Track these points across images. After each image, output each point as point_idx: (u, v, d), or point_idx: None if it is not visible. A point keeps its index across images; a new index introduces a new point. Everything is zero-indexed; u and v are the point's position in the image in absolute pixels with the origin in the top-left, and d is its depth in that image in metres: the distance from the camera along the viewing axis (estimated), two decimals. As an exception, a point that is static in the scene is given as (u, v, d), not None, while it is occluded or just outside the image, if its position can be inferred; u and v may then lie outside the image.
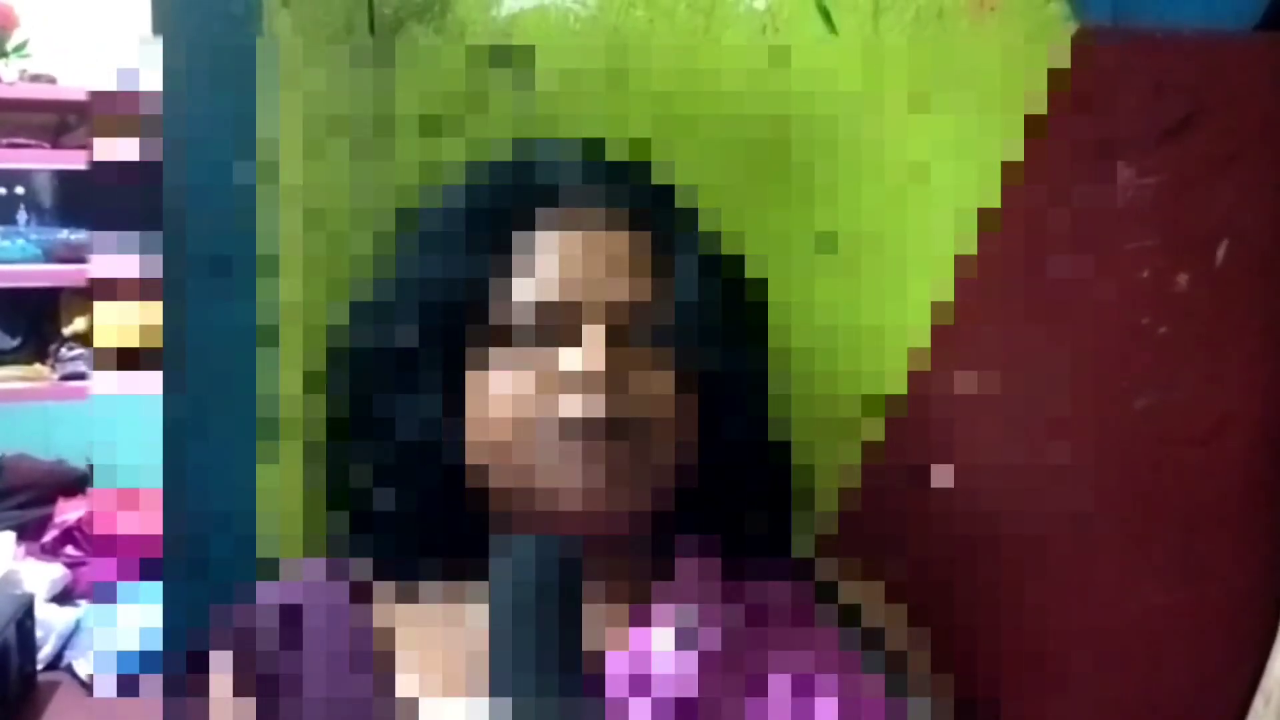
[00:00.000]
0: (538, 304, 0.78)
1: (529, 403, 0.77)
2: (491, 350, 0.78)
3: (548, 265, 0.78)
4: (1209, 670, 1.18)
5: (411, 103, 0.99)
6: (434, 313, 0.80)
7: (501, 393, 0.77)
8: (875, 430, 1.10)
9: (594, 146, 0.84)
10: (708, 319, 0.80)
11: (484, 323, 0.79)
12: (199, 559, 1.00)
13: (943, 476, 1.11)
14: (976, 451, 1.14)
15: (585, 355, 0.76)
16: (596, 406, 0.75)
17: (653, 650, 0.79)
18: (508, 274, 0.79)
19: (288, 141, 0.99)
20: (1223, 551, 1.19)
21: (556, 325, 0.77)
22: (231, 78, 1.00)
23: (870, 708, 0.80)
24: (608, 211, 0.80)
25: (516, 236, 0.79)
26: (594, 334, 0.77)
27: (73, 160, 3.23)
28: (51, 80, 3.24)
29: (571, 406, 0.76)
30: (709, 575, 0.82)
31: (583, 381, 0.76)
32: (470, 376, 0.78)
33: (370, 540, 0.82)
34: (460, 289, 0.79)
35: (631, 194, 0.82)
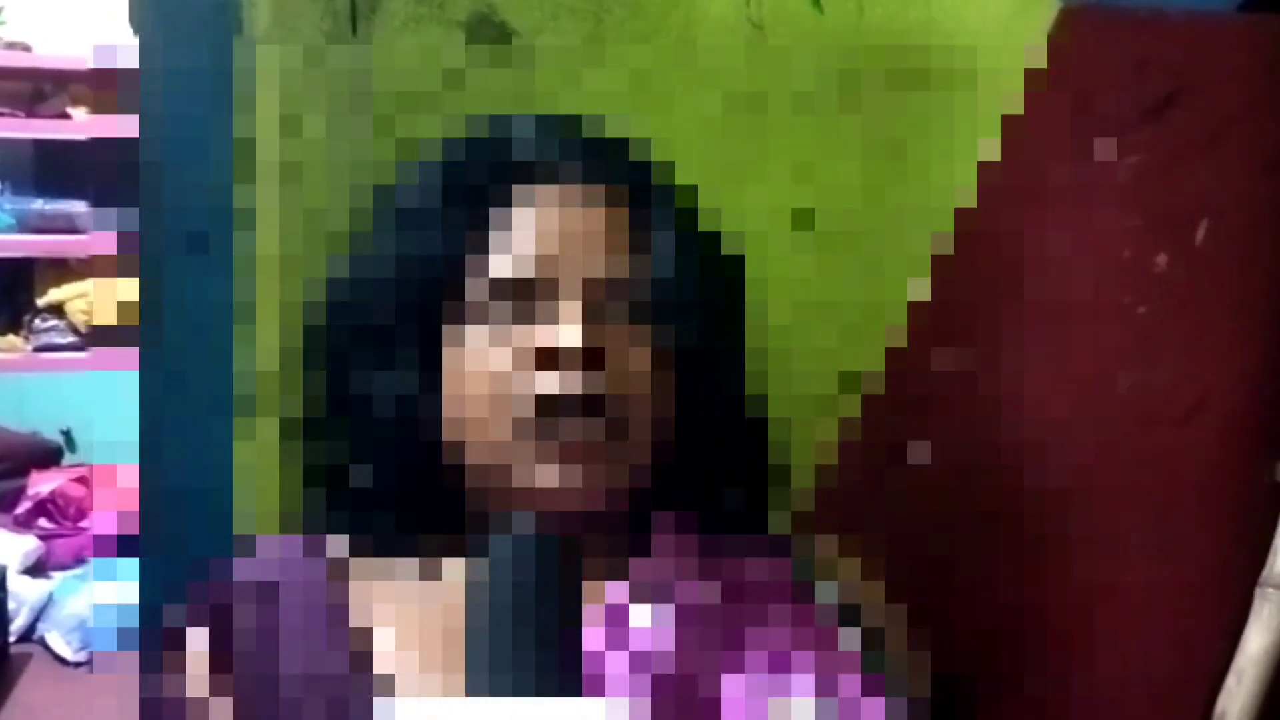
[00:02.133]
0: (514, 280, 0.77)
1: (505, 379, 0.76)
2: (468, 327, 0.78)
3: (524, 242, 0.78)
4: (1183, 647, 1.19)
5: (389, 79, 0.99)
6: (411, 289, 0.79)
7: (478, 369, 0.77)
8: (852, 407, 1.10)
9: (571, 123, 0.84)
10: (684, 295, 0.80)
11: (461, 299, 0.78)
12: (175, 535, 0.99)
13: (919, 453, 1.11)
14: (956, 430, 1.14)
15: (562, 332, 0.76)
16: (573, 383, 0.75)
17: (630, 626, 0.79)
18: (484, 250, 0.78)
19: (265, 116, 0.98)
20: (1199, 530, 1.20)
21: (533, 302, 0.77)
22: (208, 49, 0.99)
23: (847, 683, 0.80)
24: (584, 188, 0.79)
25: (493, 213, 0.79)
26: (571, 310, 0.77)
27: (48, 129, 3.20)
28: (27, 48, 3.20)
29: (548, 383, 0.75)
30: (686, 551, 0.82)
31: (559, 358, 0.75)
32: (447, 353, 0.78)
33: (347, 517, 0.81)
34: (437, 265, 0.79)
35: (608, 170, 0.81)
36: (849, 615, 0.84)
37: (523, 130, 0.82)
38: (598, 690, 0.76)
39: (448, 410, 0.78)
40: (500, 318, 0.77)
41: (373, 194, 0.85)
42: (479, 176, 0.80)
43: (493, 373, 0.77)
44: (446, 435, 0.78)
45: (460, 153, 0.82)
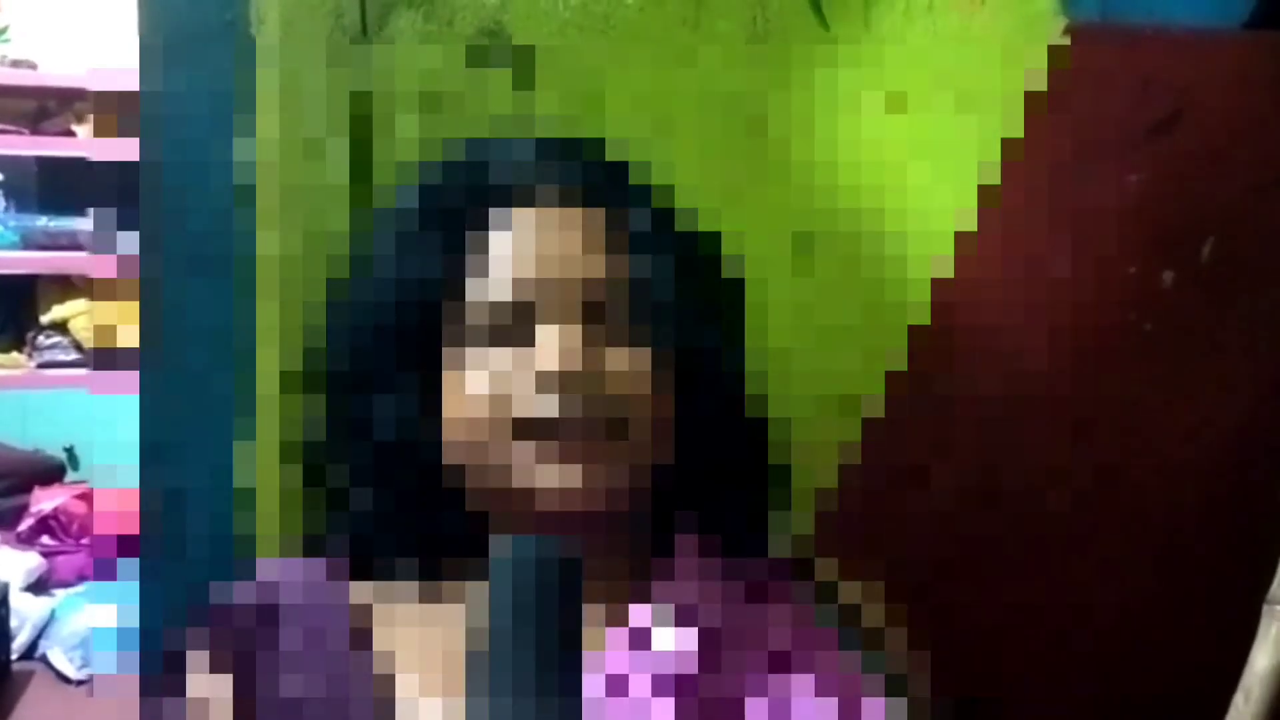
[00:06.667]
0: (510, 303, 0.78)
1: (505, 402, 0.76)
2: (467, 350, 0.78)
3: (520, 265, 0.78)
4: (1190, 666, 1.18)
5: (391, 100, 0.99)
6: (409, 312, 0.79)
7: (476, 392, 0.77)
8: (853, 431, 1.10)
9: (570, 147, 0.84)
10: (679, 295, 0.80)
11: (460, 322, 0.78)
12: (176, 556, 0.99)
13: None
14: (962, 448, 1.14)
15: (561, 354, 0.76)
16: (574, 406, 0.75)
17: (652, 627, 0.79)
18: (481, 274, 0.79)
19: (272, 133, 0.99)
20: (1205, 547, 1.20)
21: (530, 324, 0.77)
22: (214, 67, 0.99)
23: (847, 683, 0.80)
24: (584, 211, 0.80)
25: (492, 237, 0.79)
26: (570, 334, 0.77)
27: (53, 147, 3.20)
28: (32, 66, 3.21)
29: (548, 406, 0.75)
30: (709, 552, 0.82)
31: (559, 381, 0.76)
32: (446, 376, 0.78)
33: (349, 540, 0.81)
34: (436, 289, 0.79)
35: (598, 181, 0.81)
36: (849, 615, 0.83)
37: (522, 154, 0.82)
38: (621, 711, 0.76)
39: (447, 433, 0.78)
40: (498, 340, 0.77)
41: (372, 218, 0.86)
42: (478, 200, 0.80)
43: (492, 396, 0.77)
44: (446, 458, 0.78)
45: (460, 176, 0.82)
